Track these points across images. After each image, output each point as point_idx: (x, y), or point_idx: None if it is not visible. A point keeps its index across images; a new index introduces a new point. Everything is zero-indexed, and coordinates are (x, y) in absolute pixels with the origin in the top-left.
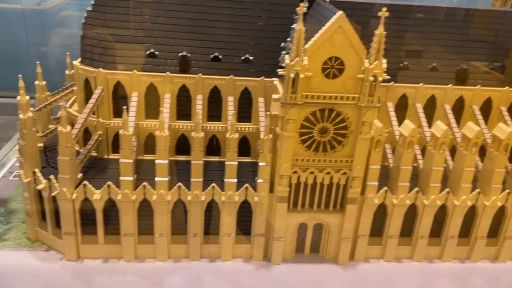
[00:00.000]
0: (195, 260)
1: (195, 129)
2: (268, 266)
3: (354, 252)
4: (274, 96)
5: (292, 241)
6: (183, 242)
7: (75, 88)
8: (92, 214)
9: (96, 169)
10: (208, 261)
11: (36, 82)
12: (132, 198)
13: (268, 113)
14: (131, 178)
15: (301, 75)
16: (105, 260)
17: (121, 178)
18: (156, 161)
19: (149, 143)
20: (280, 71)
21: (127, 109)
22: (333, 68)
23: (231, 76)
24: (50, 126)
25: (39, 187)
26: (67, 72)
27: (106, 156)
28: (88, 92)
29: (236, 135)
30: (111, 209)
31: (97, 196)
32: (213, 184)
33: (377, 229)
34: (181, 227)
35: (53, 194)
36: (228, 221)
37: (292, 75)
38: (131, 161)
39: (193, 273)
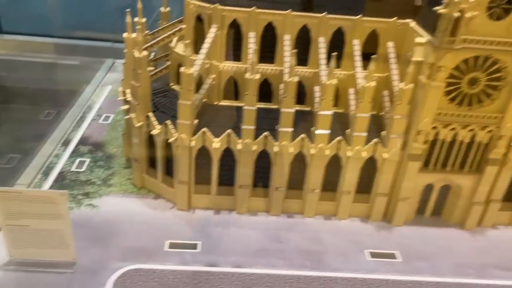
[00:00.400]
0: (309, 216)
1: (328, 76)
2: (389, 228)
3: (483, 217)
4: (419, 39)
5: (416, 203)
6: (298, 197)
7: (182, 26)
8: (206, 163)
9: (208, 116)
10: (323, 218)
11: (136, 19)
12: (252, 149)
13: (412, 59)
14: (254, 127)
15: (467, 15)
16: (216, 212)
17: (243, 126)
18: (282, 110)
19: (262, 90)
20: (439, 9)
21: (240, 51)
22: (499, 7)
23: (360, 16)
24: (149, 68)
25: (154, 132)
26: (162, 9)
27: (216, 103)
28: (197, 31)
29: (373, 84)
30: (223, 159)
31: (217, 145)
32: (339, 138)
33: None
34: (297, 181)
35: (170, 140)
36: (350, 178)
37: (456, 14)
38: (255, 108)
39: (310, 230)
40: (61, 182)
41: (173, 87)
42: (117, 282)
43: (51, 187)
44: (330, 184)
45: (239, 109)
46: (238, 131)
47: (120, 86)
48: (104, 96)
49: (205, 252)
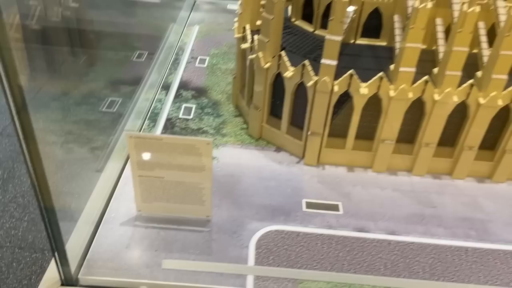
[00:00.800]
0: (460, 178)
1: None
2: None
3: None
4: None
5: None
6: (447, 155)
7: None
8: (342, 112)
9: (345, 57)
10: (475, 181)
11: None
12: (409, 96)
13: None
14: (414, 69)
15: None
16: (349, 169)
17: (401, 68)
18: (454, 48)
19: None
20: None
21: None
22: None
23: None
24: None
25: (287, 74)
26: None
27: (352, 41)
28: None
29: None
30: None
31: (364, 91)
32: None
33: None
34: (448, 136)
35: (308, 84)
36: None
37: None
38: (420, 46)
39: (464, 194)
40: (171, 129)
41: (296, 23)
42: (260, 244)
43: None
44: (487, 141)
45: (380, 49)
46: (370, 74)
47: (236, 21)
48: (193, 37)
49: (349, 215)
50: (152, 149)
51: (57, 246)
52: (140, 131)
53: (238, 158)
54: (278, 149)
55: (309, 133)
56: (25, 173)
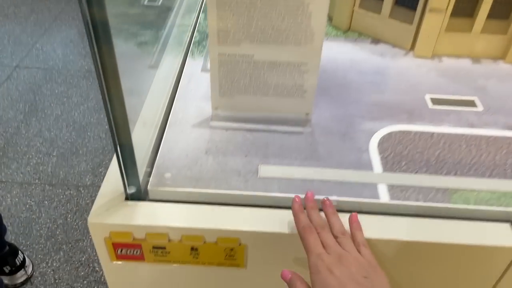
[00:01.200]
0: None
1: None
2: None
3: None
4: None
5: None
6: None
7: None
8: None
9: None
10: None
11: None
12: None
13: None
14: None
15: None
16: (474, 60)
17: None
18: None
19: None
20: None
21: None
22: None
23: None
24: None
25: None
26: None
27: None
28: None
29: None
30: None
31: None
32: None
33: None
34: None
35: None
36: None
37: None
38: None
39: None
40: None
41: None
42: (383, 148)
43: None
44: None
45: None
46: None
47: None
48: None
49: (493, 111)
50: (239, 11)
51: (121, 147)
52: (195, 26)
53: (327, 52)
54: (376, 40)
55: (427, 9)
56: (49, 105)
